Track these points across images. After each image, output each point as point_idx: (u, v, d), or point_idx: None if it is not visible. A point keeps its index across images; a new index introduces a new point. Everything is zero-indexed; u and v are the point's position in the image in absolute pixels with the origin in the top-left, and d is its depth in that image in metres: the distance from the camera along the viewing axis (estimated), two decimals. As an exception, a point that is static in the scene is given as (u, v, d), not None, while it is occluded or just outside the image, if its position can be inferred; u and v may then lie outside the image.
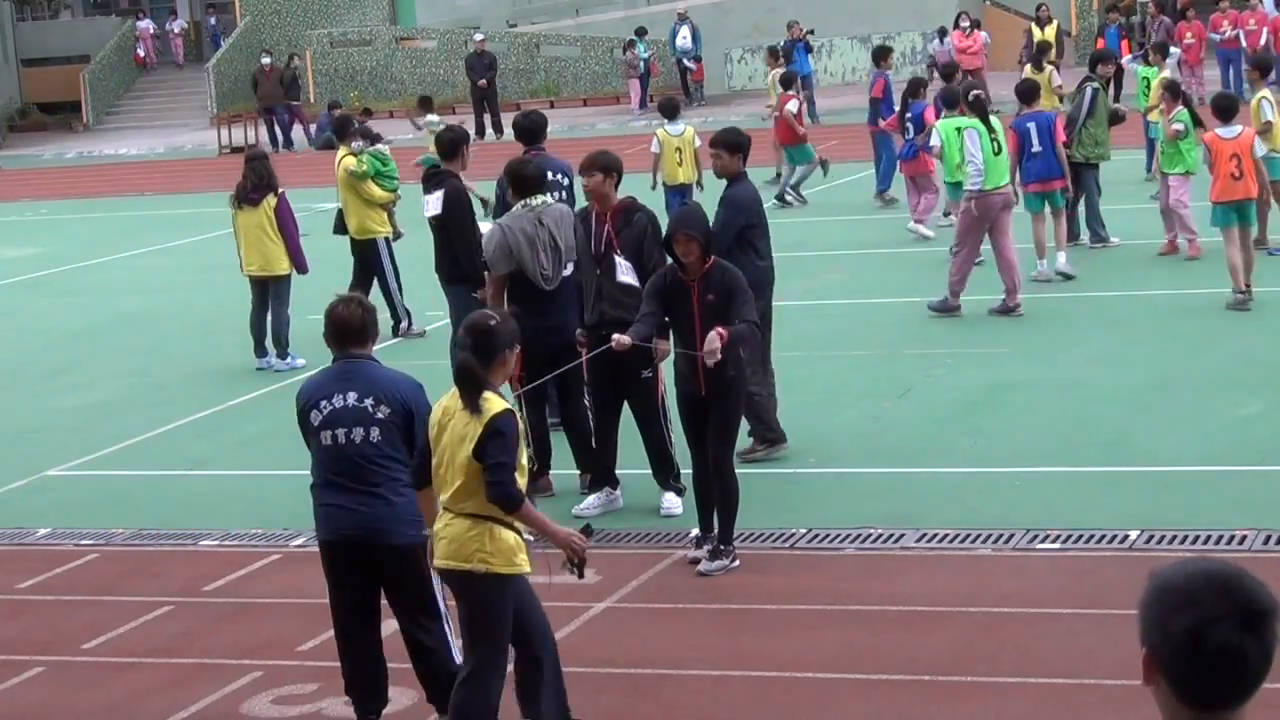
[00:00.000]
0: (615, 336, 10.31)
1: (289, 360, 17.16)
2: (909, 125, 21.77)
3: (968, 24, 37.52)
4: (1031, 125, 18.57)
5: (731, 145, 12.21)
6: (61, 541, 12.25)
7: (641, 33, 43.90)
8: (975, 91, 17.68)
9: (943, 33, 38.78)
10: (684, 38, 43.37)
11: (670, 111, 22.36)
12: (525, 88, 47.04)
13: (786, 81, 27.33)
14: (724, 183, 12.41)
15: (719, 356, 9.98)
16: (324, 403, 8.07)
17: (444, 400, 7.72)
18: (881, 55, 25.72)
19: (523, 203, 12.26)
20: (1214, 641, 3.13)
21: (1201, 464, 11.99)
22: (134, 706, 9.22)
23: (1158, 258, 19.46)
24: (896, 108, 23.44)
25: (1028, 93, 19.13)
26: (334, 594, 8.27)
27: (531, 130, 14.66)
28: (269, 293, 17.30)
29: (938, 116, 19.77)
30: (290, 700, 8.96)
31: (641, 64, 43.59)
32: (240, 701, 9.07)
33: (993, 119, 17.49)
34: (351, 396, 8.03)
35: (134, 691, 9.41)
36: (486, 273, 12.25)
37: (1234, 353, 15.01)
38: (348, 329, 8.16)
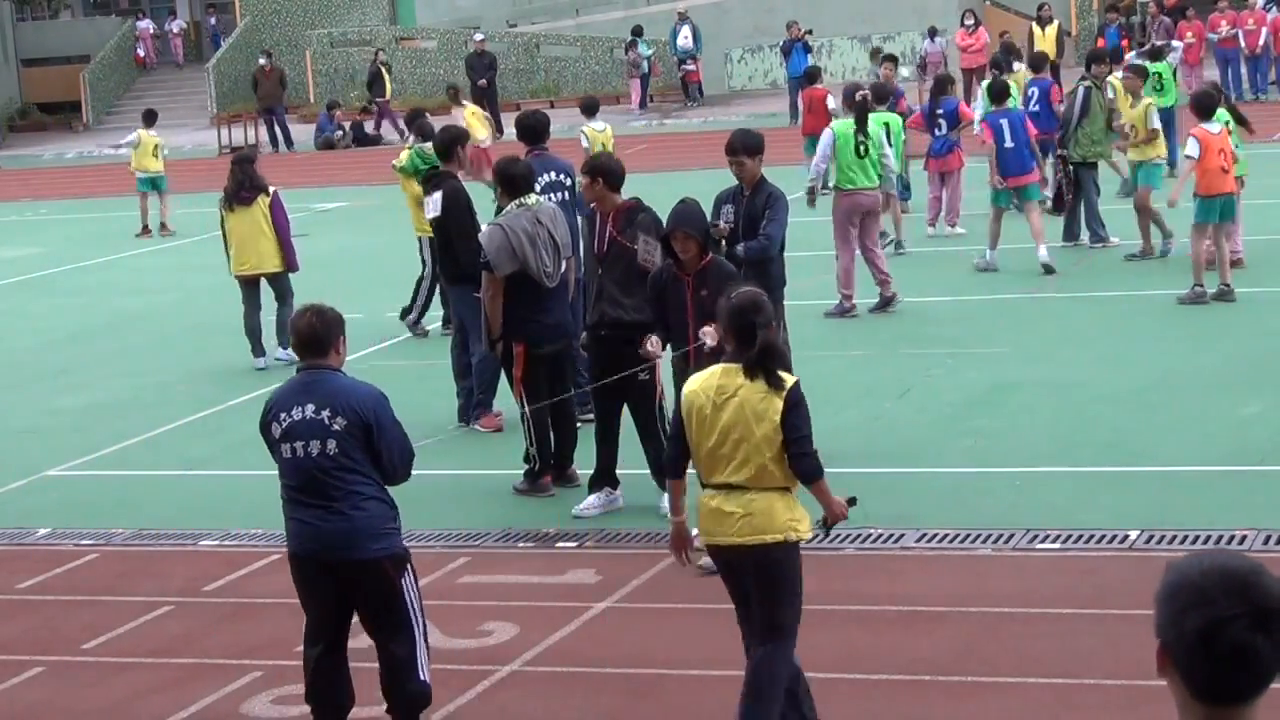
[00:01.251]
0: (651, 340, 10.56)
1: (288, 351, 17.39)
2: (941, 121, 21.88)
3: (971, 22, 37.53)
4: (1004, 121, 19.40)
5: (753, 149, 12.29)
6: (61, 541, 12.25)
7: (639, 32, 43.90)
8: (861, 92, 18.05)
9: (933, 32, 38.85)
10: (685, 37, 43.37)
11: (590, 110, 23.05)
12: (525, 88, 47.03)
13: (812, 76, 27.69)
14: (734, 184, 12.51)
15: (713, 341, 10.02)
16: (284, 415, 7.97)
17: (710, 381, 7.68)
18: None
19: (517, 202, 12.30)
20: (1226, 640, 3.13)
21: (1201, 464, 11.99)
22: (134, 706, 9.22)
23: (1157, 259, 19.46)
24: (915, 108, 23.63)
25: (1000, 93, 20.08)
26: (304, 606, 8.21)
27: (535, 129, 14.66)
28: (272, 291, 17.46)
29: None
30: (290, 700, 8.95)
31: (645, 63, 43.60)
32: (240, 701, 9.07)
33: (874, 122, 17.97)
34: (310, 409, 7.91)
35: (134, 691, 9.41)
36: (486, 273, 12.22)
37: (1234, 353, 15.02)
38: (302, 339, 8.07)
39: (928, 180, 22.43)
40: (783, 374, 7.64)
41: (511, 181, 12.45)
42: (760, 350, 7.59)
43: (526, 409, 12.17)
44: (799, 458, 7.62)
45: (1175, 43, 31.84)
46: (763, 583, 7.78)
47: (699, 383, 7.71)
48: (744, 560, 7.76)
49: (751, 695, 7.75)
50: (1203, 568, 3.19)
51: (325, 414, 7.88)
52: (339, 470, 7.88)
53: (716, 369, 7.73)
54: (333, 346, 8.08)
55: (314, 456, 7.88)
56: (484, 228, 12.52)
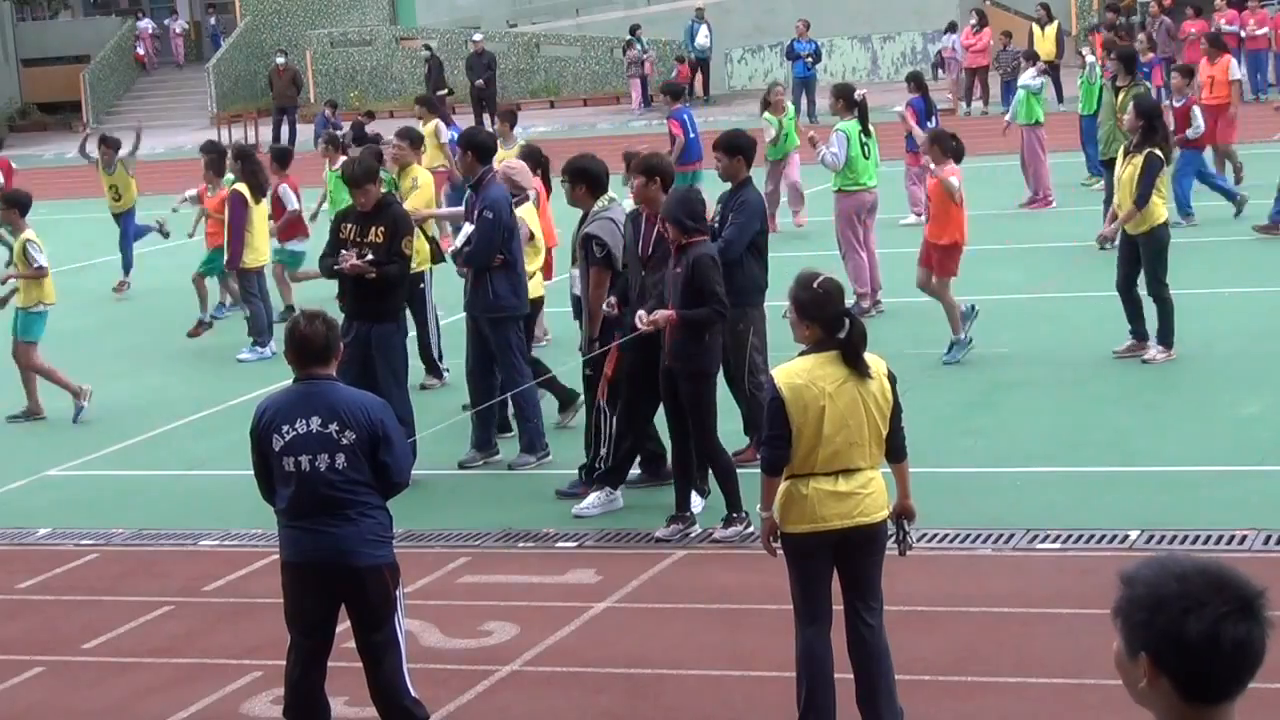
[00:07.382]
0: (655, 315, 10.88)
1: (271, 348, 17.95)
2: (933, 116, 21.88)
3: (975, 21, 37.63)
4: (686, 116, 22.97)
5: (730, 148, 12.35)
6: (61, 541, 12.25)
7: (634, 29, 43.86)
8: (861, 92, 18.19)
9: (953, 28, 39.18)
10: (704, 36, 43.27)
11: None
12: (525, 88, 47.04)
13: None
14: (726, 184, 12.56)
15: (645, 326, 10.84)
16: (286, 428, 7.67)
17: (811, 372, 7.63)
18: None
19: (609, 197, 12.44)
20: (1229, 636, 3.17)
21: (1201, 464, 12.00)
22: (134, 706, 9.23)
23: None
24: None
25: (678, 92, 23.79)
26: (292, 616, 7.93)
27: (487, 149, 13.50)
28: (241, 285, 18.36)
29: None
30: (290, 700, 8.95)
31: (647, 63, 43.56)
32: (240, 701, 9.07)
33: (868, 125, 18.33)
34: (315, 422, 7.64)
35: (134, 691, 9.41)
36: (596, 268, 12.08)
37: (1234, 353, 15.01)
38: (309, 348, 7.77)
39: (910, 175, 22.50)
40: (872, 356, 7.73)
41: (596, 179, 12.47)
42: (859, 337, 7.66)
43: (605, 409, 11.89)
44: (900, 432, 7.82)
45: (1090, 57, 29.98)
46: (873, 560, 7.80)
47: (798, 377, 7.62)
48: (855, 540, 7.70)
49: (876, 670, 7.77)
50: (1175, 573, 3.23)
51: (334, 428, 7.62)
52: (345, 483, 7.64)
53: (805, 360, 7.69)
54: (334, 354, 7.86)
55: (321, 470, 7.64)
56: (594, 223, 12.31)
